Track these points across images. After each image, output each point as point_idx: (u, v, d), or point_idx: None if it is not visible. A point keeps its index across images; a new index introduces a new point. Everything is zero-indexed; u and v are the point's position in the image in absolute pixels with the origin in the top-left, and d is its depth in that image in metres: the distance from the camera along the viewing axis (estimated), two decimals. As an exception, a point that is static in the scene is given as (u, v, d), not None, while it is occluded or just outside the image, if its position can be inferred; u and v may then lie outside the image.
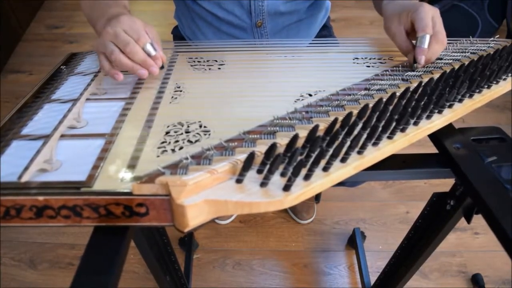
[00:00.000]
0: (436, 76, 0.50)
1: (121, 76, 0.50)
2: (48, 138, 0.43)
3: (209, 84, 0.55)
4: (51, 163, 0.40)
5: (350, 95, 0.50)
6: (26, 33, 2.01)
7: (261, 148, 0.39)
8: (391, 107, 0.41)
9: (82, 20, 2.09)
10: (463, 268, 1.08)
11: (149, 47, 0.49)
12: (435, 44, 0.51)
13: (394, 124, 0.41)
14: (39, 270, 1.08)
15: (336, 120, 0.39)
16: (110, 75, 0.51)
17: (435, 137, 0.48)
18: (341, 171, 0.38)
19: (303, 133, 0.38)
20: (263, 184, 0.35)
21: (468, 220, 0.51)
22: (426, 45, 0.51)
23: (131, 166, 0.39)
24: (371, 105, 0.43)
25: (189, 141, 0.43)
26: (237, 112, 0.48)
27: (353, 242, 1.10)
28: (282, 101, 0.49)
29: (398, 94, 0.44)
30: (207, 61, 0.60)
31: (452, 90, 0.45)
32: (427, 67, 0.56)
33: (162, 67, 0.53)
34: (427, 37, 0.51)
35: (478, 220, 0.44)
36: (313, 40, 0.66)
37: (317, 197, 1.22)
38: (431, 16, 0.51)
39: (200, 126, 0.45)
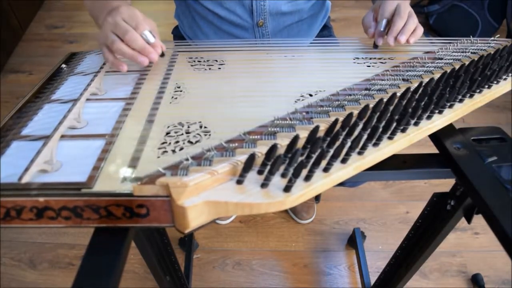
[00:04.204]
0: (436, 76, 0.50)
1: (125, 67, 0.53)
2: (48, 138, 0.43)
3: (209, 84, 0.55)
4: (52, 164, 0.40)
5: (350, 95, 0.49)
6: (26, 33, 2.00)
7: (261, 149, 0.39)
8: (391, 108, 0.41)
9: (82, 20, 2.09)
10: (463, 268, 1.08)
11: (147, 34, 0.51)
12: (397, 18, 0.56)
13: (394, 124, 0.41)
14: (39, 270, 1.08)
15: (336, 120, 0.39)
16: (115, 66, 0.53)
17: (436, 137, 0.48)
18: (341, 171, 0.38)
19: (303, 134, 0.38)
20: (263, 185, 0.35)
21: (468, 220, 0.51)
22: (382, 28, 0.59)
23: (132, 167, 0.39)
24: (371, 106, 0.43)
25: (189, 141, 0.43)
26: (238, 112, 0.48)
27: (353, 242, 1.10)
28: (283, 101, 0.49)
29: (398, 94, 0.44)
30: (207, 61, 0.60)
31: (453, 90, 0.45)
32: (427, 66, 0.56)
33: (162, 55, 0.55)
34: (384, 21, 0.58)
35: (478, 220, 0.44)
36: (313, 40, 0.66)
37: (317, 197, 1.22)
38: (395, 5, 0.58)
39: (201, 127, 0.45)
